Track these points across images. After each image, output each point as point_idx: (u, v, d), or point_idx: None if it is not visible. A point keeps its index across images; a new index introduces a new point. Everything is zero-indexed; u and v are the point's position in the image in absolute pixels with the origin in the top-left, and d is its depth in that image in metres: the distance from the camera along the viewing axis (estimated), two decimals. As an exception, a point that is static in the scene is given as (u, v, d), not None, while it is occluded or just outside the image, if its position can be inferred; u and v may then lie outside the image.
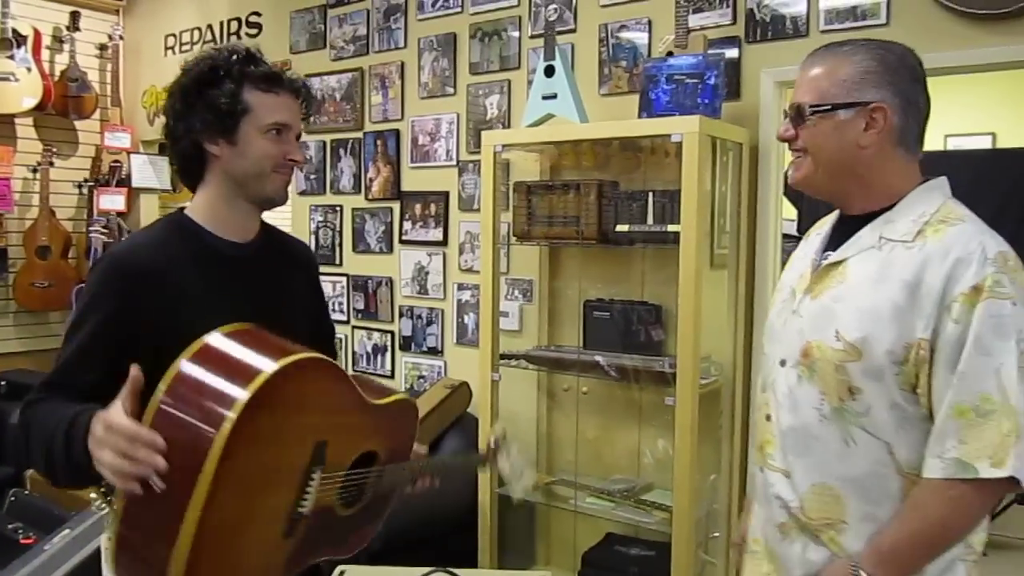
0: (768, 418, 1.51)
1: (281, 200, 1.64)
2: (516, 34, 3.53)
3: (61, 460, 1.39)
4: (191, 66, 1.56)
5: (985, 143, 5.63)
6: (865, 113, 1.39)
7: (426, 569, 2.74)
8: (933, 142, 5.56)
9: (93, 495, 2.45)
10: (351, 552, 1.64)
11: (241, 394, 1.26)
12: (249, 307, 1.58)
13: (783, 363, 1.48)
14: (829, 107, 1.40)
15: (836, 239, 1.49)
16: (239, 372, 1.31)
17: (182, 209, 1.63)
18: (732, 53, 2.98)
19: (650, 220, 2.88)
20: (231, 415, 1.24)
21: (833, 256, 1.46)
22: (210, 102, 1.51)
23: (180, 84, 1.55)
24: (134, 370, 1.31)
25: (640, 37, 3.20)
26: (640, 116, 2.85)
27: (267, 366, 1.31)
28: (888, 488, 1.37)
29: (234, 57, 1.54)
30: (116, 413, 1.26)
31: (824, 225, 1.60)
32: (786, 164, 3.10)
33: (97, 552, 2.54)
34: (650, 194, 2.89)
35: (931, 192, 1.42)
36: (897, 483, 1.37)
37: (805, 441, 1.43)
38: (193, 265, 1.56)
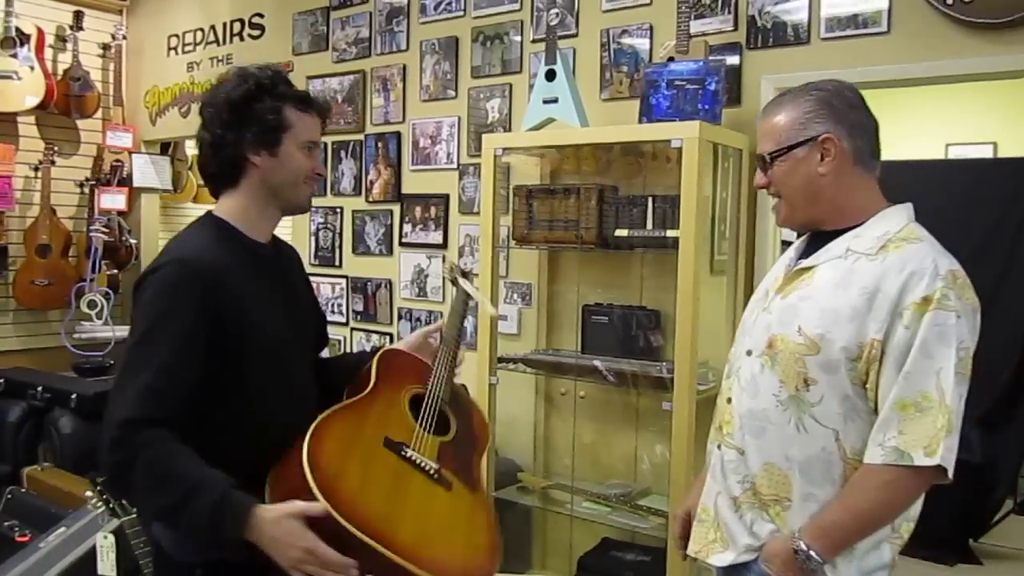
0: (729, 401, 1.69)
1: (307, 208, 1.81)
2: (518, 38, 3.54)
3: (199, 523, 1.44)
4: (237, 82, 1.66)
5: (986, 152, 5.62)
6: (817, 146, 1.59)
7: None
8: (934, 151, 5.61)
9: (88, 493, 2.45)
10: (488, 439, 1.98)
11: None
12: (288, 305, 1.76)
13: (749, 353, 1.66)
14: (786, 149, 1.61)
15: (809, 249, 1.67)
16: None
17: (211, 213, 1.71)
18: (733, 59, 2.98)
19: (650, 225, 2.88)
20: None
21: (804, 262, 1.64)
22: (259, 116, 1.64)
23: (228, 97, 1.64)
24: None
25: (641, 43, 3.21)
26: (640, 121, 2.85)
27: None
28: (831, 472, 1.54)
29: (275, 79, 1.68)
30: (310, 538, 1.41)
31: (802, 239, 1.78)
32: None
33: (92, 550, 2.54)
34: (650, 199, 2.89)
35: (897, 214, 1.61)
36: (839, 468, 1.54)
37: (761, 424, 1.60)
38: (241, 266, 1.66)
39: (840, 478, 1.54)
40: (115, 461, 1.48)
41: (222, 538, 1.44)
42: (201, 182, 6.15)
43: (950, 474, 1.45)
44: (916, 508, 1.59)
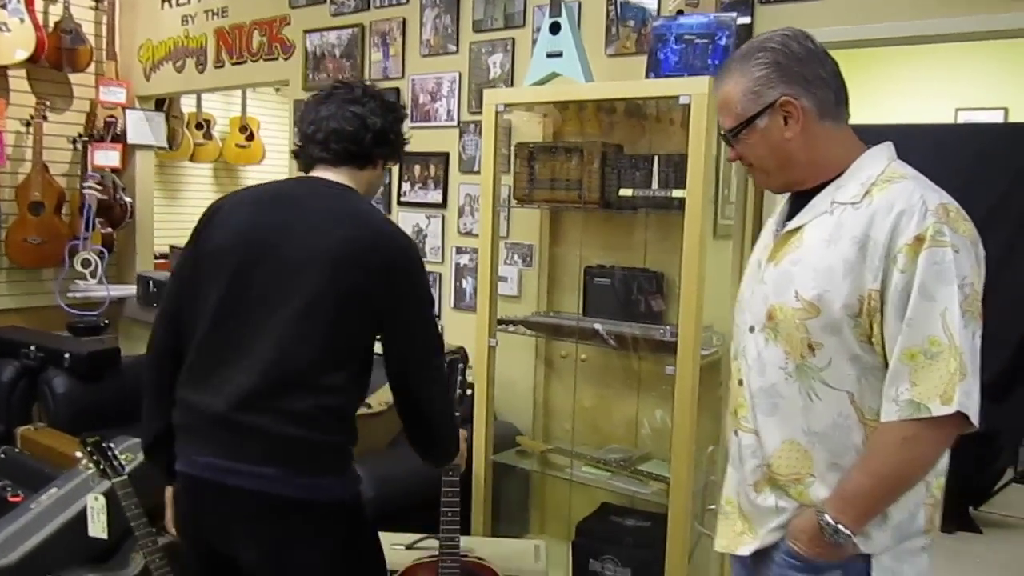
0: (740, 383, 1.60)
1: None
2: (521, -9, 3.43)
3: None
4: (395, 109, 1.94)
5: (997, 118, 5.52)
6: (777, 111, 1.50)
7: (418, 536, 2.71)
8: (944, 115, 5.52)
9: (79, 454, 2.40)
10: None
11: None
12: None
13: (752, 329, 1.58)
14: (746, 122, 1.53)
15: (794, 209, 1.59)
16: None
17: (350, 188, 1.85)
18: (744, 14, 2.88)
19: (655, 185, 2.80)
20: None
21: (791, 224, 1.56)
22: (402, 140, 1.96)
23: (396, 124, 1.93)
24: None
25: (649, -4, 3.10)
26: (647, 77, 2.76)
27: None
28: (851, 439, 1.46)
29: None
30: None
31: (785, 200, 1.70)
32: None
33: (83, 511, 2.50)
34: (656, 158, 2.81)
35: (877, 156, 1.53)
36: (860, 433, 1.45)
37: (773, 400, 1.52)
38: None
39: (862, 442, 1.45)
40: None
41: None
42: (198, 141, 6.09)
43: (974, 419, 1.35)
44: (944, 462, 1.50)
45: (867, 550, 1.45)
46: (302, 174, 1.90)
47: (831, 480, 1.47)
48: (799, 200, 1.58)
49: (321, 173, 1.84)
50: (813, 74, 1.50)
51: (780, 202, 1.69)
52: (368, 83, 1.93)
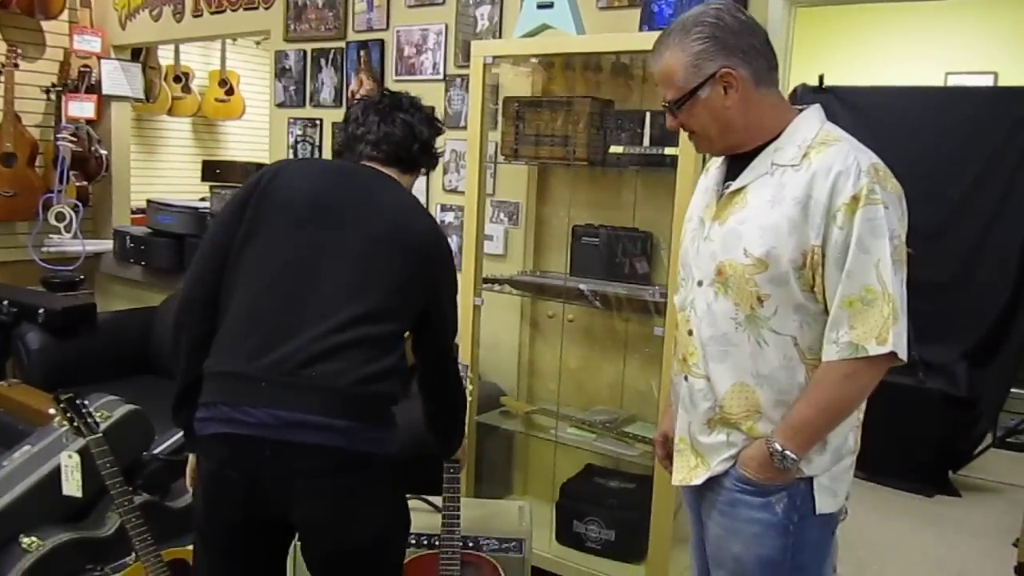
0: (690, 333, 1.71)
1: None
2: (511, -60, 3.33)
3: None
4: (435, 122, 2.07)
5: (987, 82, 5.49)
6: (718, 82, 1.58)
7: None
8: (934, 79, 5.49)
9: (52, 411, 2.34)
10: None
11: None
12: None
13: (700, 283, 1.68)
14: (689, 94, 1.60)
15: (734, 171, 1.68)
16: None
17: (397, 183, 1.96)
18: (740, -33, 2.81)
19: (646, 143, 2.74)
20: None
21: (734, 185, 1.65)
22: (434, 151, 2.05)
23: (439, 132, 2.07)
24: None
25: (643, -53, 3.01)
26: (641, 30, 2.69)
27: None
28: (795, 377, 1.60)
29: None
30: None
31: (720, 159, 1.79)
32: (789, 84, 2.97)
33: (57, 469, 2.45)
34: (647, 114, 2.74)
35: (810, 119, 1.64)
36: (802, 372, 1.60)
37: (724, 348, 1.64)
38: None
39: (804, 380, 1.60)
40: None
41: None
42: (176, 94, 5.96)
43: (903, 356, 1.53)
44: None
45: (810, 472, 1.62)
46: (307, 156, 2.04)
47: (776, 415, 1.61)
48: (737, 162, 1.68)
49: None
50: (748, 45, 1.58)
51: (712, 164, 1.80)
52: (412, 96, 2.07)
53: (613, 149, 2.80)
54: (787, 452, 1.58)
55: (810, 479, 1.62)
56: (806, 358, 1.60)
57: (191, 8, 4.58)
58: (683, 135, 2.44)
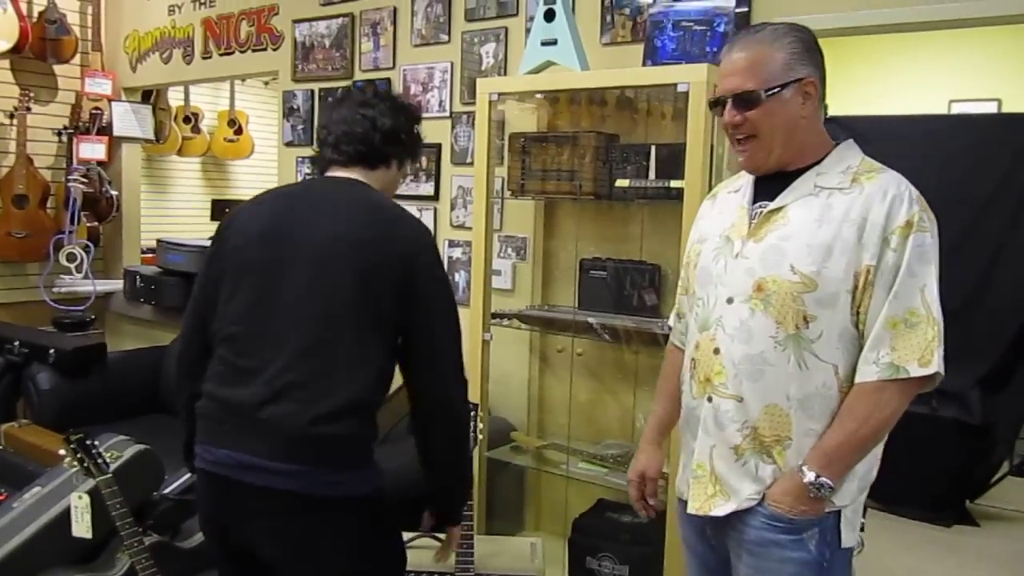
0: (716, 352, 1.66)
1: None
2: (514, -21, 3.37)
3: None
4: (412, 109, 1.98)
5: (990, 109, 5.50)
6: (800, 88, 1.60)
7: (412, 534, 2.66)
8: (938, 107, 5.50)
9: (62, 452, 2.34)
10: None
11: None
12: None
13: (730, 300, 1.64)
14: (778, 88, 1.59)
15: (766, 191, 1.68)
16: None
17: (364, 183, 1.86)
18: (743, 0, 2.83)
19: (652, 175, 2.75)
20: None
21: (772, 204, 1.65)
22: (417, 141, 1.99)
23: (417, 119, 1.99)
24: None
25: (645, -17, 3.05)
26: (645, 64, 2.71)
27: None
28: (829, 406, 1.58)
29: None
30: None
31: (734, 184, 1.80)
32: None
33: (67, 510, 2.44)
34: (653, 148, 2.76)
35: (851, 149, 1.67)
36: (837, 401, 1.58)
37: (759, 367, 1.60)
38: None
39: (837, 408, 1.59)
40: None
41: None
42: (186, 134, 6.02)
43: (940, 380, 1.55)
44: None
45: (839, 504, 1.60)
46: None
47: (806, 445, 1.58)
48: (768, 183, 1.68)
49: (333, 173, 1.88)
50: (824, 65, 1.64)
51: (723, 188, 1.84)
52: (383, 87, 1.98)
53: (619, 183, 2.81)
54: (823, 480, 1.55)
55: (838, 512, 1.60)
56: (843, 388, 1.59)
57: (200, 50, 4.65)
58: (688, 166, 2.48)
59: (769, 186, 1.68)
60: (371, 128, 1.86)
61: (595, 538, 2.91)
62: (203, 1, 4.61)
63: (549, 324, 3.13)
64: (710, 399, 1.68)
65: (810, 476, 1.55)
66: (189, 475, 2.70)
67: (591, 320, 2.89)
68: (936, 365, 1.52)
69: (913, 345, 1.53)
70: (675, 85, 2.51)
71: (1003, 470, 4.42)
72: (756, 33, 1.64)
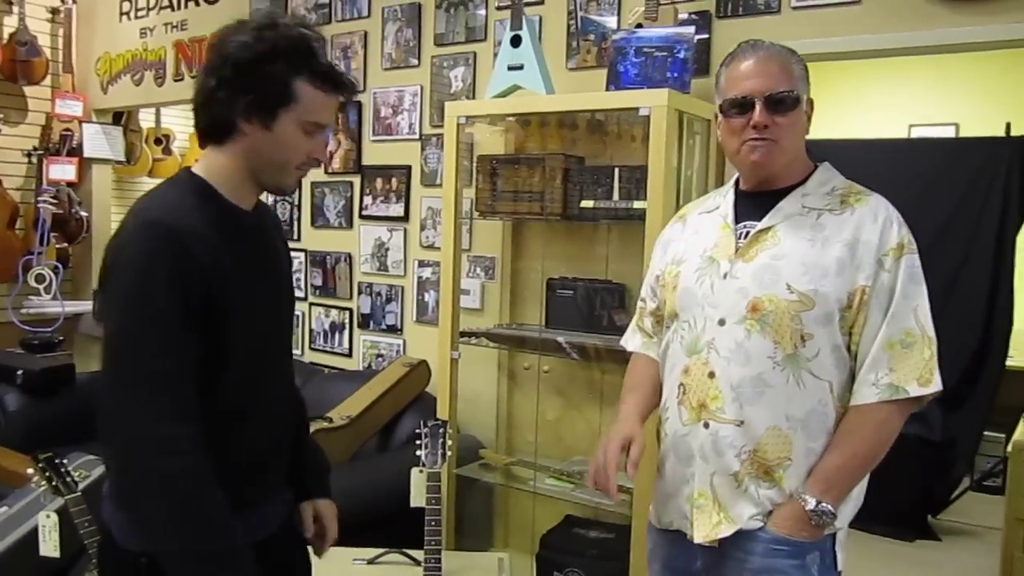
0: (712, 375, 1.62)
1: (290, 193, 1.63)
2: (483, 5, 3.45)
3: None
4: (254, 38, 1.43)
5: (948, 133, 5.64)
6: (808, 105, 1.66)
7: (380, 550, 2.68)
8: (897, 131, 5.63)
9: (30, 471, 2.34)
10: None
11: None
12: (272, 277, 1.59)
13: (722, 322, 1.62)
14: (801, 96, 1.63)
15: (749, 211, 1.68)
16: None
17: (189, 169, 1.51)
18: (703, 28, 2.92)
19: (616, 196, 2.82)
20: None
21: (761, 224, 1.64)
22: (259, 83, 1.42)
23: (238, 54, 1.42)
24: None
25: (609, 10, 3.13)
26: (608, 89, 2.78)
27: None
28: (826, 423, 1.58)
29: (300, 44, 1.44)
30: None
31: (704, 204, 1.81)
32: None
33: (35, 530, 2.44)
34: (616, 170, 2.82)
35: (831, 171, 1.70)
36: (833, 418, 1.58)
37: (758, 389, 1.58)
38: (221, 232, 1.45)
39: (833, 426, 1.59)
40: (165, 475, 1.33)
41: None
42: (157, 156, 6.02)
43: (942, 390, 1.56)
44: None
45: (839, 526, 1.59)
46: None
47: (806, 464, 1.58)
48: (749, 204, 1.68)
49: None
50: None
51: (692, 210, 1.83)
52: (240, 30, 1.46)
53: (584, 203, 2.88)
54: (824, 506, 1.54)
55: (833, 534, 1.60)
56: (837, 404, 1.58)
57: (172, 72, 4.68)
58: (650, 187, 2.55)
59: (751, 206, 1.67)
60: (199, 93, 1.47)
61: (562, 553, 2.94)
62: (175, 24, 4.64)
63: (517, 342, 3.18)
64: (706, 425, 1.63)
65: (811, 503, 1.55)
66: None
67: (559, 339, 2.94)
68: (936, 384, 1.54)
69: (911, 365, 1.53)
70: (637, 109, 2.58)
71: (964, 485, 4.52)
72: (771, 46, 1.65)
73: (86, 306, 4.96)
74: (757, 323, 1.58)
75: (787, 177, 1.66)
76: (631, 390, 1.87)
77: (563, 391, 3.24)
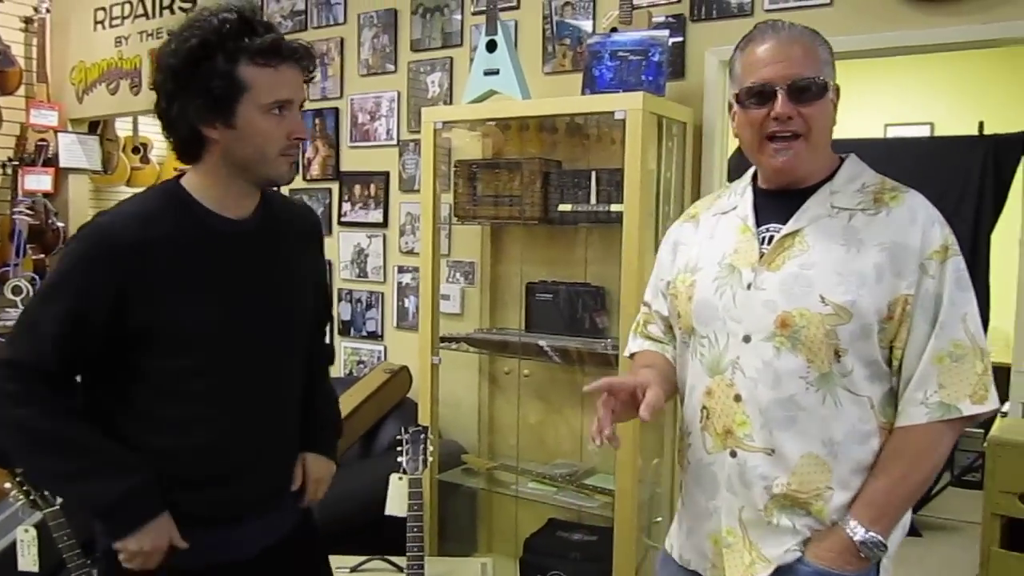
0: (738, 399, 1.45)
1: (286, 181, 1.58)
2: (459, 10, 3.45)
3: (97, 501, 1.46)
4: (179, 40, 1.41)
5: (924, 132, 5.70)
6: (835, 92, 1.47)
7: (363, 557, 2.67)
8: (874, 131, 5.68)
9: (8, 485, 2.32)
10: None
11: None
12: (243, 289, 1.55)
13: (747, 339, 1.44)
14: (829, 84, 1.44)
15: (770, 213, 1.50)
16: None
17: (178, 178, 1.53)
18: (677, 31, 2.94)
19: (593, 200, 2.83)
20: None
21: (786, 228, 1.46)
22: (203, 84, 1.39)
23: (169, 62, 1.41)
24: None
25: (585, 14, 3.14)
26: (584, 93, 2.79)
27: None
28: (868, 444, 1.41)
29: (227, 28, 1.40)
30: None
31: (719, 204, 1.61)
32: (730, 147, 3.08)
33: (12, 545, 2.42)
34: (593, 173, 2.84)
35: (859, 165, 1.52)
36: (877, 438, 1.41)
37: (791, 414, 1.41)
38: (186, 243, 1.47)
39: (877, 446, 1.42)
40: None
41: (110, 525, 1.48)
42: (135, 165, 5.98)
43: (999, 409, 1.42)
44: None
45: (889, 555, 1.44)
46: None
47: (849, 493, 1.41)
48: (771, 204, 1.51)
49: None
50: None
51: (703, 208, 1.65)
52: (169, 39, 1.45)
53: (561, 207, 2.88)
54: (874, 537, 1.38)
55: (879, 561, 1.44)
56: (879, 421, 1.42)
57: (148, 81, 4.62)
58: (627, 191, 2.56)
59: (773, 206, 1.50)
60: (166, 123, 1.48)
61: (546, 557, 2.94)
62: (150, 32, 4.61)
63: (497, 347, 3.18)
64: (733, 454, 1.46)
65: (859, 533, 1.38)
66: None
67: (540, 342, 2.95)
68: (993, 401, 1.38)
69: (962, 381, 1.37)
70: (612, 113, 2.59)
71: (944, 481, 4.55)
72: (792, 27, 1.46)
73: (64, 317, 4.92)
74: (787, 340, 1.40)
75: (813, 174, 1.48)
76: (643, 367, 1.65)
77: (544, 395, 3.25)
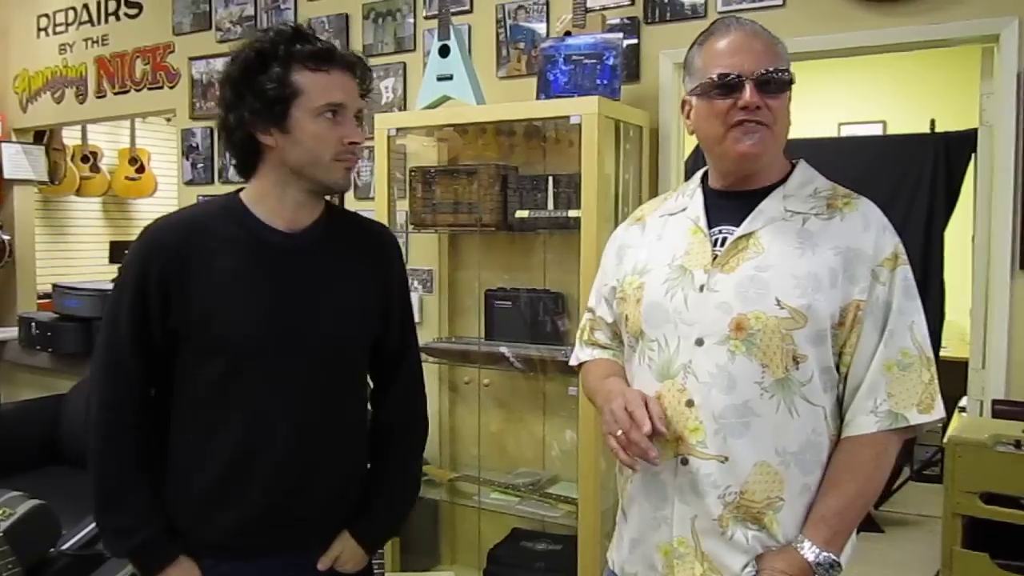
0: (690, 404, 1.40)
1: (342, 188, 1.58)
2: (411, 15, 3.40)
3: (118, 525, 1.51)
4: (238, 53, 1.49)
5: (876, 131, 5.77)
6: (791, 90, 1.45)
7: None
8: (827, 130, 5.73)
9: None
10: None
11: None
12: (281, 303, 1.51)
13: (700, 342, 1.40)
14: (792, 80, 1.43)
15: (722, 215, 1.47)
16: None
17: (239, 191, 1.57)
18: (631, 34, 2.92)
19: (550, 206, 2.80)
20: None
21: (740, 230, 1.43)
22: (258, 90, 1.43)
23: (228, 73, 1.48)
24: None
25: (538, 18, 3.12)
26: (538, 98, 2.76)
27: None
28: (820, 455, 1.39)
29: (279, 37, 1.46)
30: None
31: (665, 206, 1.59)
32: (686, 149, 3.07)
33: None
34: (550, 179, 2.81)
35: (810, 170, 1.50)
36: (827, 449, 1.40)
37: (745, 420, 1.37)
38: (229, 250, 1.49)
39: (826, 458, 1.40)
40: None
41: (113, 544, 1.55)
42: (84, 174, 5.85)
43: (944, 418, 1.41)
44: None
45: (842, 572, 1.40)
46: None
47: (801, 504, 1.38)
48: (724, 206, 1.48)
49: None
50: None
51: (650, 211, 1.61)
52: (231, 56, 1.52)
53: (519, 213, 2.85)
54: (829, 556, 1.35)
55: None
56: (831, 432, 1.40)
57: (94, 89, 4.54)
58: (584, 195, 2.54)
59: (725, 208, 1.48)
60: (226, 134, 1.52)
61: (510, 568, 2.92)
62: (96, 40, 4.50)
63: (458, 356, 3.14)
64: (684, 461, 1.41)
65: (813, 554, 1.35)
66: (90, 527, 2.61)
67: (503, 349, 2.91)
68: (939, 411, 1.37)
69: (910, 390, 1.36)
70: (568, 118, 2.57)
71: (904, 476, 4.60)
72: (752, 23, 1.45)
73: (11, 332, 4.78)
74: (742, 344, 1.37)
75: (765, 176, 1.46)
76: (607, 377, 1.59)
77: (505, 403, 3.21)
